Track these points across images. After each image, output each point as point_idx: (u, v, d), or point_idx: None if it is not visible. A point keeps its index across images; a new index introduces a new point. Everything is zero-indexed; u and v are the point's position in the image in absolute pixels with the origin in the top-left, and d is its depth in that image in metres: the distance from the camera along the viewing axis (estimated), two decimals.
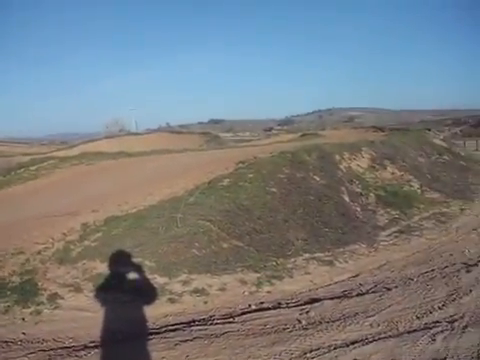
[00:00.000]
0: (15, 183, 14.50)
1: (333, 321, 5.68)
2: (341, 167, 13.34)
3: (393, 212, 11.34)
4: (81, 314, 6.04)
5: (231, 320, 5.90)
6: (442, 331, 5.28)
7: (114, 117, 58.52)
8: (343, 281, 7.45)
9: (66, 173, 15.70)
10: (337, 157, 13.82)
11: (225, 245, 8.07)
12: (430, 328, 5.36)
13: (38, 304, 6.17)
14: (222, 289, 6.94)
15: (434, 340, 5.04)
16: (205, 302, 6.56)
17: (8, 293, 6.36)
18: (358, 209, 11.10)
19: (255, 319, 5.88)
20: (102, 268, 7.06)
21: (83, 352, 5.01)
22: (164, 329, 5.63)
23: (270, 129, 73.57)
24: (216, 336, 5.35)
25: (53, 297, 6.35)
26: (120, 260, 7.17)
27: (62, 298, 6.36)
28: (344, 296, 6.65)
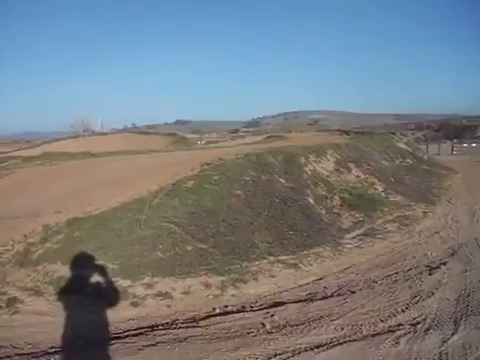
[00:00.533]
0: None
1: (298, 325, 5.67)
2: (306, 170, 13.41)
3: (357, 215, 11.44)
4: (41, 319, 5.89)
5: (195, 324, 5.85)
6: (405, 334, 5.32)
7: (79, 117, 57.82)
8: (308, 284, 7.46)
9: (28, 173, 15.38)
10: (302, 160, 13.89)
11: (189, 248, 7.99)
12: (394, 331, 5.40)
13: None
14: (186, 292, 6.86)
15: (398, 343, 5.07)
16: (168, 306, 6.48)
17: None
18: (323, 212, 11.16)
19: (219, 323, 5.85)
20: (64, 271, 6.90)
21: (42, 358, 4.89)
22: (126, 334, 5.54)
23: (236, 131, 73.72)
24: (180, 341, 5.28)
25: (12, 301, 6.20)
26: (82, 263, 7.03)
27: (22, 302, 6.22)
28: (309, 299, 6.65)
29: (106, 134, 46.60)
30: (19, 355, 4.98)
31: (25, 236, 8.03)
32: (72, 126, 54.41)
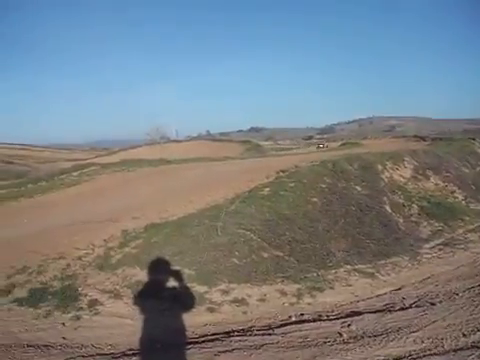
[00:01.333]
0: (57, 189, 14.86)
1: (375, 336, 5.54)
2: (383, 177, 13.16)
3: (436, 224, 11.11)
4: (120, 321, 6.09)
5: (271, 332, 5.81)
6: None
7: (155, 124, 59.19)
8: (385, 294, 7.32)
9: (107, 180, 15.98)
10: (379, 167, 13.64)
11: (265, 255, 8.04)
12: (478, 347, 5.18)
13: (78, 309, 6.26)
14: (262, 299, 6.89)
15: None
16: (244, 312, 6.53)
17: (49, 298, 6.48)
18: (400, 220, 10.92)
19: (295, 331, 5.78)
20: (141, 275, 7.14)
21: None
22: (203, 339, 5.58)
23: (310, 137, 73.11)
24: (255, 348, 5.25)
25: (93, 303, 6.44)
26: (159, 267, 7.25)
27: (102, 304, 6.45)
28: (386, 310, 6.50)
29: (181, 141, 47.44)
30: (100, 355, 5.15)
31: (105, 241, 8.38)
32: (148, 134, 55.68)
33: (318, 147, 34.99)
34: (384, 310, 6.49)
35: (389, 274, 8.19)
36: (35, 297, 6.44)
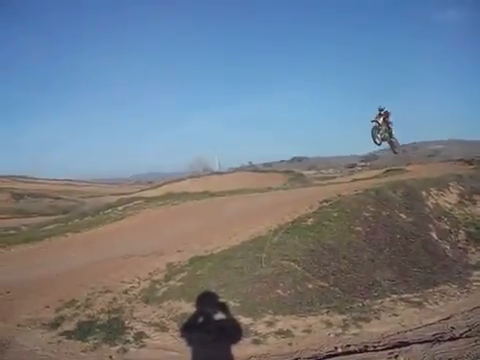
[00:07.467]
0: (103, 223, 15.27)
1: None
2: (428, 203, 12.95)
3: None
4: (167, 353, 6.17)
5: None
6: None
7: (197, 156, 59.82)
8: (434, 324, 7.14)
9: (152, 213, 16.30)
10: (424, 193, 13.43)
11: (310, 286, 8.02)
12: None
13: (125, 342, 6.38)
14: (307, 331, 6.85)
15: None
16: (290, 344, 6.49)
17: (97, 330, 6.64)
18: (447, 247, 10.71)
19: None
20: (187, 308, 7.24)
21: None
22: None
23: (353, 165, 72.24)
24: None
25: (139, 336, 6.55)
26: (205, 300, 7.32)
27: (148, 337, 6.55)
28: (435, 340, 6.35)
29: (224, 173, 47.69)
30: None
31: (150, 274, 8.55)
32: (191, 166, 56.31)
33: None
34: (433, 340, 6.34)
35: (437, 303, 8.02)
36: (83, 330, 6.63)
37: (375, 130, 17.68)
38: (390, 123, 18.24)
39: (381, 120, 17.86)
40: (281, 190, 21.67)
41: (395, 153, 20.15)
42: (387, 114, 18.39)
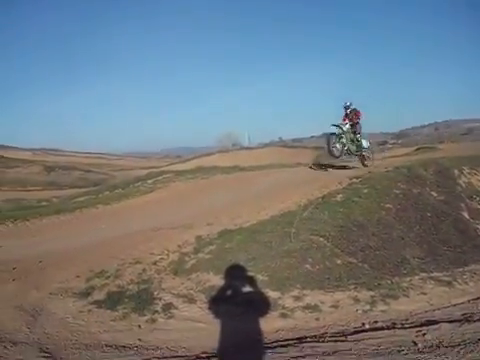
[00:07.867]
0: (133, 196, 15.42)
1: (452, 346, 5.37)
2: (460, 182, 12.72)
3: None
4: (194, 325, 6.29)
5: (343, 338, 5.80)
6: None
7: (227, 131, 59.80)
8: (463, 303, 7.09)
9: (181, 187, 16.38)
10: (456, 172, 13.18)
11: (338, 261, 8.02)
12: None
13: (153, 313, 6.52)
14: (335, 306, 6.88)
15: None
16: (317, 319, 6.54)
17: (126, 300, 6.78)
18: (479, 227, 10.55)
19: (368, 339, 5.73)
20: (215, 280, 7.32)
21: None
22: (275, 344, 5.66)
23: (384, 143, 71.24)
24: (328, 354, 5.25)
25: (168, 307, 6.67)
26: (233, 273, 7.39)
27: (176, 308, 6.67)
28: (464, 320, 6.27)
29: (253, 148, 47.61)
30: (174, 357, 5.36)
31: (179, 246, 8.61)
32: (220, 141, 56.37)
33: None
34: (462, 320, 6.26)
35: (467, 283, 7.94)
36: (113, 300, 6.79)
37: (335, 137, 15.05)
38: (359, 127, 15.45)
39: (347, 126, 15.33)
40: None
41: (365, 166, 15.69)
42: (357, 115, 15.59)
